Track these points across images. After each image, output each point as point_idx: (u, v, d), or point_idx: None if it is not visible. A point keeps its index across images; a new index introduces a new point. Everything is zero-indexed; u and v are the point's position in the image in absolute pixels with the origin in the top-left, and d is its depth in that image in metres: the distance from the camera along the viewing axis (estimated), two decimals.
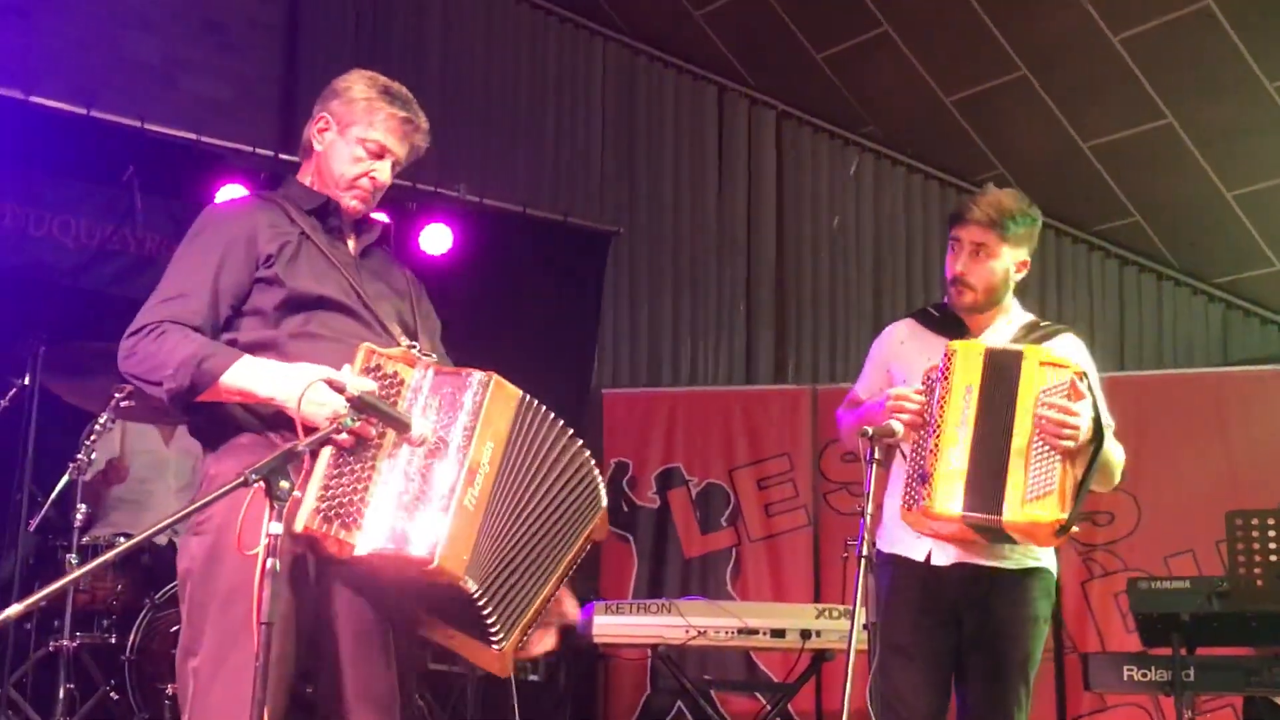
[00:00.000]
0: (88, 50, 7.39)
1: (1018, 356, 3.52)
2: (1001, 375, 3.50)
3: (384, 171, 3.11)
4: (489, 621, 2.78)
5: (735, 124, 8.51)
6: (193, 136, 6.68)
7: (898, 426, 3.55)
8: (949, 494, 3.43)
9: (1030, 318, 3.94)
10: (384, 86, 3.12)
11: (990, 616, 3.71)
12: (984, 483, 3.44)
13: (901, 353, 3.91)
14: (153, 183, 6.31)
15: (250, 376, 2.80)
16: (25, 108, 6.31)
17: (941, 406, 3.49)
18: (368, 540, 2.70)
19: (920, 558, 3.74)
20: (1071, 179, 7.75)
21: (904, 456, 3.73)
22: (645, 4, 8.51)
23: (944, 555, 3.72)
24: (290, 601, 2.77)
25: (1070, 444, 3.43)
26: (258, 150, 6.85)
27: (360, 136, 3.09)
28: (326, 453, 2.73)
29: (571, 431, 2.95)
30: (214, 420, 2.91)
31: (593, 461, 2.99)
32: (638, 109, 8.58)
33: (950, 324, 3.86)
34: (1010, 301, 3.91)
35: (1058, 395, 3.47)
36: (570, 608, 3.12)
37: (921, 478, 3.46)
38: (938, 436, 3.48)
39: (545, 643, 3.06)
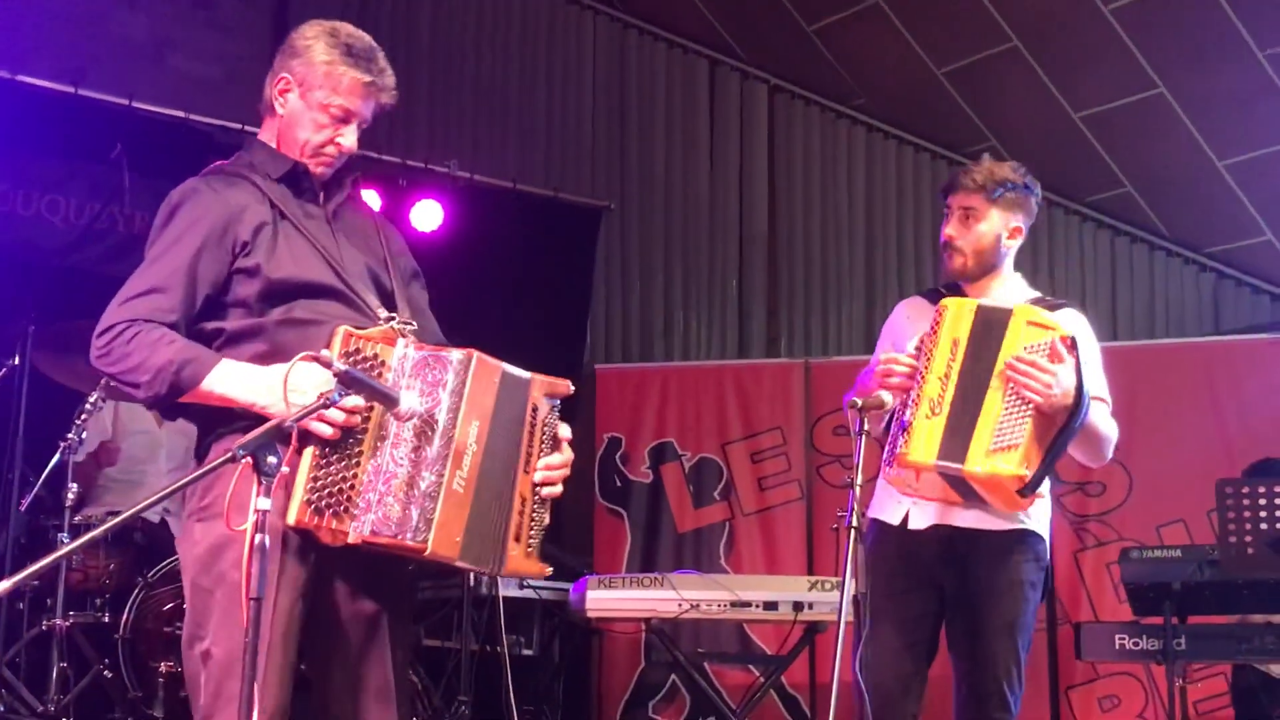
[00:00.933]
0: (76, 28, 7.34)
1: (1007, 314, 3.53)
2: (989, 330, 3.51)
3: (350, 136, 2.99)
4: (478, 573, 2.82)
5: (726, 98, 8.50)
6: (181, 115, 6.67)
7: (887, 397, 3.56)
8: (926, 443, 3.43)
9: (1034, 293, 3.94)
10: (345, 45, 2.95)
11: (969, 579, 3.71)
12: (957, 433, 3.44)
13: (906, 328, 3.91)
14: (141, 161, 6.28)
15: (229, 382, 2.75)
16: (13, 86, 6.29)
17: (928, 359, 3.50)
18: (360, 528, 2.71)
19: (896, 521, 3.75)
20: (1063, 150, 7.74)
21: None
22: None
23: (921, 518, 3.73)
24: (297, 584, 2.78)
25: (1038, 399, 3.42)
26: (246, 128, 6.81)
27: (323, 102, 2.94)
28: (311, 446, 2.70)
29: (515, 370, 2.89)
30: (209, 408, 2.85)
31: (510, 368, 2.87)
32: (629, 83, 8.56)
33: (952, 290, 3.86)
34: (1009, 272, 3.91)
35: (1039, 354, 3.47)
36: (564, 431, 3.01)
37: (902, 427, 3.46)
38: (920, 387, 3.49)
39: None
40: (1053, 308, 3.84)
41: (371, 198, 6.91)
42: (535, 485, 2.89)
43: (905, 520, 3.75)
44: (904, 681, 3.73)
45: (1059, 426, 3.49)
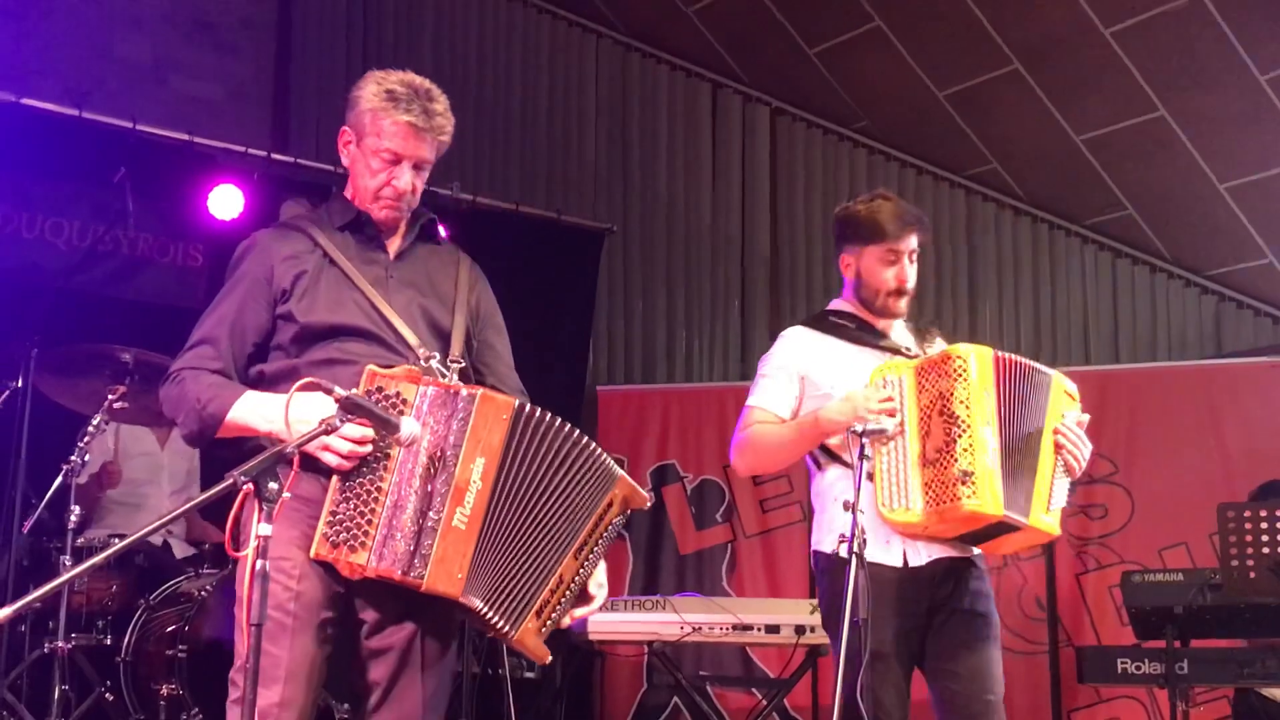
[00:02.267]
0: (79, 52, 7.38)
1: (1048, 378, 3.66)
2: (1033, 388, 3.63)
3: (403, 177, 3.09)
4: (492, 622, 2.84)
5: (729, 120, 8.52)
6: (184, 137, 6.67)
7: (889, 425, 3.56)
8: (993, 493, 3.48)
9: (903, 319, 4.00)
10: (390, 90, 3.09)
11: (959, 600, 3.73)
12: (1016, 486, 3.55)
13: (818, 367, 3.86)
14: (144, 184, 6.30)
15: (248, 413, 2.90)
16: (17, 109, 6.30)
17: (967, 406, 3.51)
18: (375, 561, 2.77)
19: (896, 562, 3.73)
20: (1064, 172, 7.76)
21: (831, 457, 3.79)
22: (638, 1, 8.51)
23: (919, 555, 3.72)
24: (316, 613, 2.84)
25: (1076, 468, 3.64)
26: (250, 150, 6.85)
27: (374, 148, 3.09)
28: (334, 480, 2.81)
29: (576, 430, 2.95)
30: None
31: (596, 446, 2.97)
32: (631, 106, 8.58)
33: (867, 332, 3.89)
34: None
35: (1078, 425, 3.66)
36: (601, 577, 3.10)
37: (962, 476, 3.46)
38: (969, 435, 3.49)
39: (580, 610, 3.06)
40: (931, 333, 3.98)
41: None
42: (579, 573, 2.95)
43: (905, 559, 3.74)
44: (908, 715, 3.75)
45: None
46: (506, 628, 2.85)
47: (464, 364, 3.07)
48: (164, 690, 5.08)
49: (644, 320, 8.35)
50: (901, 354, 3.81)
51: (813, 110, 8.40)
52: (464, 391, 2.84)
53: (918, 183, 8.27)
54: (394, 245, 3.17)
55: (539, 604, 2.88)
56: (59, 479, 5.26)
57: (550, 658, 3.01)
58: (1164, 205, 7.70)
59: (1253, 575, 4.66)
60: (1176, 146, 7.26)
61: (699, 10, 8.27)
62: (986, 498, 3.46)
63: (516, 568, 2.85)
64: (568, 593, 2.94)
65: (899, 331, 3.95)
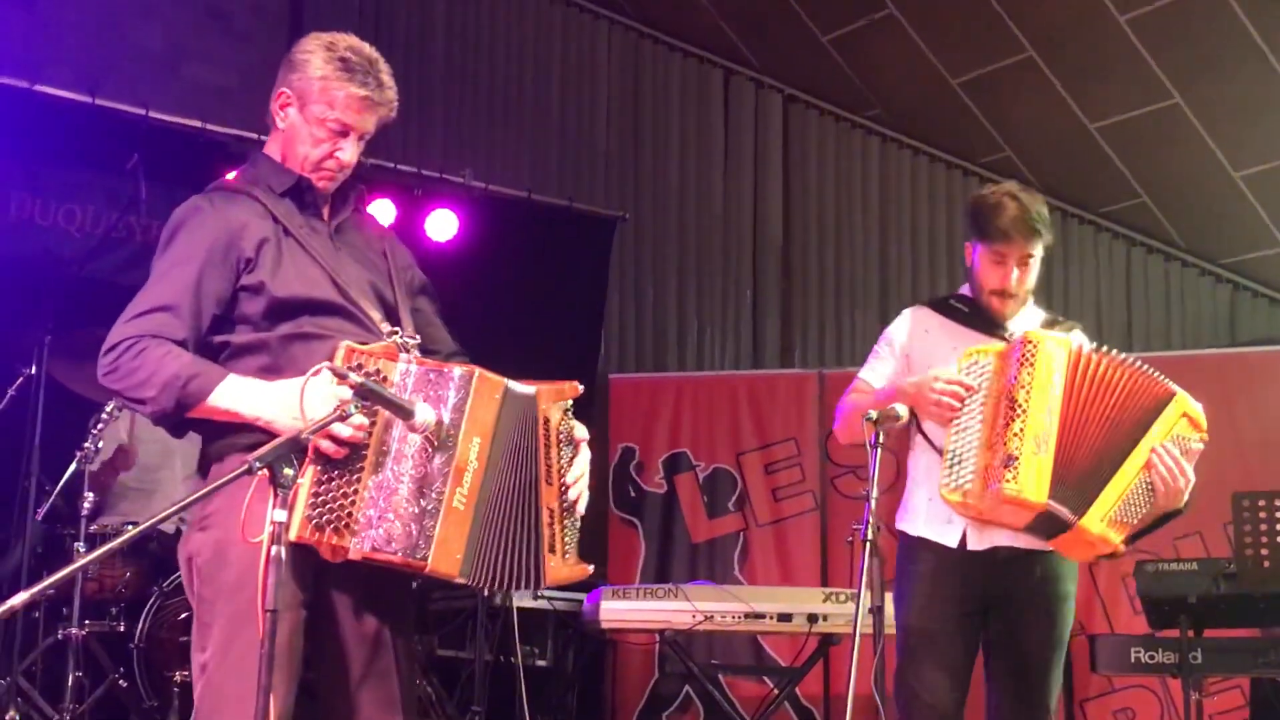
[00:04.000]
0: (92, 39, 7.38)
1: (1169, 395, 3.59)
2: (1122, 390, 3.56)
3: (349, 150, 2.98)
4: (504, 592, 2.83)
5: (741, 107, 8.50)
6: (197, 124, 6.68)
7: (902, 410, 3.56)
8: (1037, 481, 3.44)
9: (1044, 314, 3.97)
10: (342, 59, 2.93)
11: (1022, 596, 3.71)
12: (1075, 480, 3.49)
13: (926, 343, 3.89)
14: (157, 171, 6.28)
15: (236, 397, 2.76)
16: (30, 96, 6.31)
17: (1027, 391, 3.49)
18: (361, 544, 2.71)
19: (954, 543, 3.72)
20: (1078, 160, 7.73)
21: (926, 440, 3.75)
22: None
23: (981, 539, 3.70)
24: (296, 596, 2.77)
25: (1164, 495, 3.54)
26: (262, 137, 6.78)
27: (320, 116, 2.94)
28: (312, 462, 2.71)
29: (530, 390, 2.88)
30: (216, 422, 2.85)
31: (516, 385, 2.85)
32: (643, 93, 8.57)
33: (982, 319, 3.86)
34: None
35: (1183, 451, 3.57)
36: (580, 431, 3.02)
37: (1005, 460, 3.45)
38: (1023, 420, 3.47)
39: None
40: (1067, 329, 3.87)
41: (386, 207, 6.92)
42: (563, 494, 2.90)
43: (964, 542, 3.72)
44: (959, 709, 3.74)
45: (1156, 518, 3.59)
46: (530, 585, 2.86)
47: (418, 339, 2.98)
48: (177, 677, 5.10)
49: (655, 308, 8.34)
50: (1000, 338, 3.78)
51: (826, 97, 8.38)
52: (458, 371, 2.77)
53: (931, 170, 8.25)
54: (327, 213, 3.06)
55: (547, 543, 2.84)
56: (73, 466, 5.28)
57: (591, 567, 2.99)
58: (1178, 193, 7.67)
59: (1267, 565, 4.64)
60: (1191, 134, 7.24)
61: None
62: (1028, 484, 3.43)
63: (505, 538, 2.79)
64: (566, 514, 2.90)
65: (1027, 319, 3.90)
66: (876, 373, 3.96)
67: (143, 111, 6.53)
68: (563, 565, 2.89)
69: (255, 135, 6.80)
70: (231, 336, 2.88)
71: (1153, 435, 3.54)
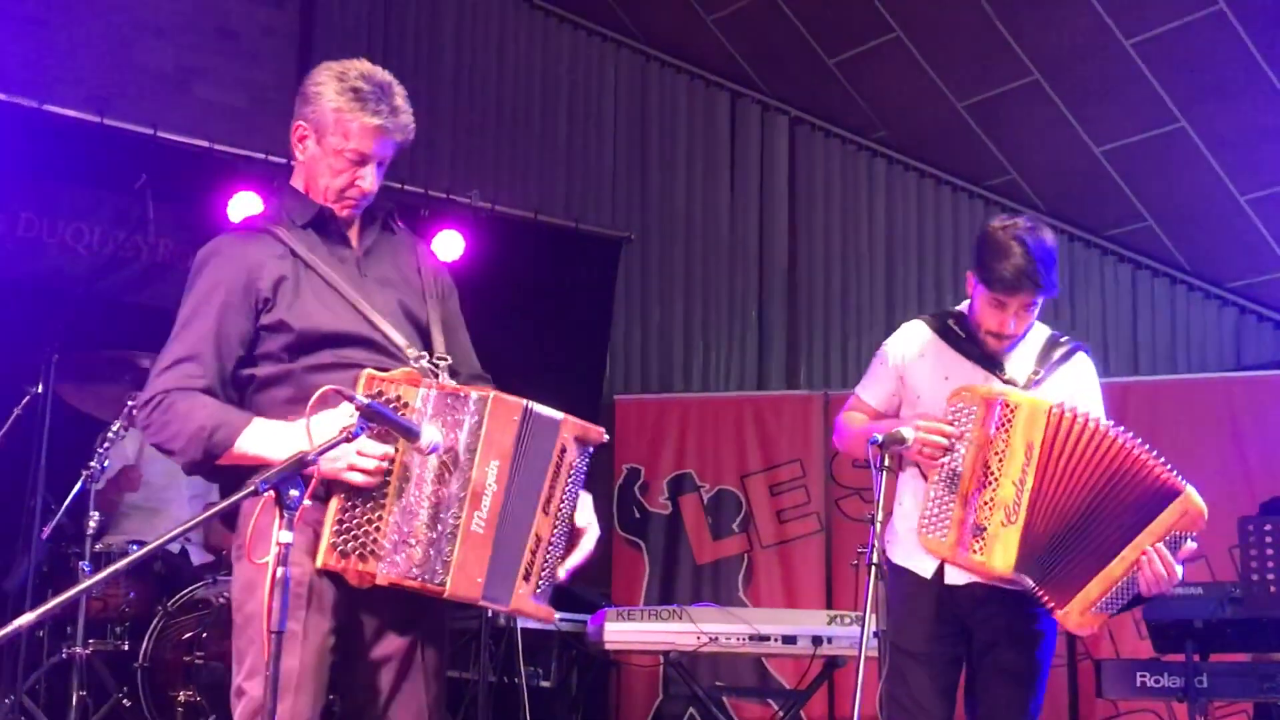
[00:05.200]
0: (101, 59, 7.41)
1: (1176, 492, 3.49)
2: (1142, 498, 3.49)
3: (369, 178, 3.00)
4: (483, 605, 2.84)
5: (747, 130, 8.51)
6: (205, 144, 6.70)
7: (908, 434, 3.55)
8: (1005, 552, 3.45)
9: (1047, 333, 3.90)
10: (353, 89, 2.95)
11: (1001, 627, 3.70)
12: (1044, 550, 3.48)
13: (919, 365, 3.85)
14: (165, 190, 6.32)
15: (262, 442, 2.80)
16: (39, 116, 6.33)
17: (1000, 459, 3.48)
18: (387, 569, 2.74)
19: (929, 575, 3.72)
20: (1084, 183, 7.73)
21: (922, 475, 3.73)
22: (658, 10, 8.52)
23: (959, 575, 3.70)
24: (324, 619, 2.81)
25: (1153, 590, 3.49)
26: (270, 158, 6.86)
27: (337, 148, 2.97)
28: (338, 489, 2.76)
29: (547, 412, 2.88)
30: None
31: (543, 408, 2.88)
32: (650, 115, 8.59)
33: (978, 349, 3.80)
34: None
35: (1175, 546, 3.50)
36: (584, 507, 3.02)
37: (975, 529, 3.47)
38: (993, 490, 3.48)
39: (572, 558, 3.00)
40: (1068, 353, 3.84)
41: None
42: (555, 526, 2.89)
43: (941, 574, 3.72)
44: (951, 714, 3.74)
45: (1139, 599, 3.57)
46: (500, 602, 2.82)
47: (450, 360, 3.01)
48: (181, 697, 5.09)
49: (661, 329, 8.35)
50: (995, 377, 3.75)
51: (832, 120, 8.39)
52: (474, 395, 2.79)
53: (936, 193, 8.25)
54: (355, 239, 3.08)
55: (523, 568, 2.82)
56: (79, 484, 5.28)
57: (556, 615, 2.97)
58: (1184, 217, 7.67)
59: (1273, 589, 4.64)
60: (1197, 158, 7.24)
61: (719, 20, 8.28)
62: (995, 556, 3.46)
63: (507, 552, 2.81)
64: (550, 549, 2.89)
65: (1028, 340, 3.83)
66: (872, 390, 3.95)
67: (151, 131, 6.55)
68: (529, 599, 2.86)
69: (263, 155, 6.84)
70: (256, 370, 2.93)
71: (1150, 534, 3.47)
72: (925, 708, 3.69)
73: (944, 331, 3.88)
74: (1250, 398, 6.80)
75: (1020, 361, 3.80)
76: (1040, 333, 3.89)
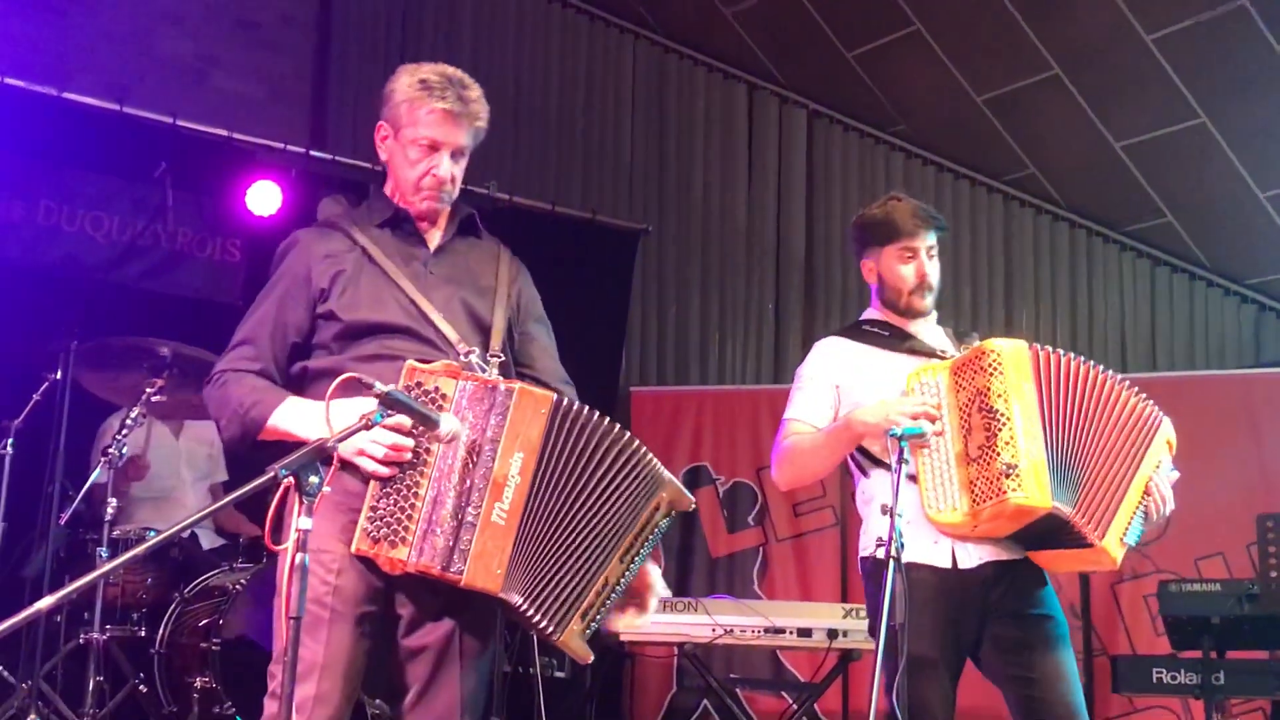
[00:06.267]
0: (121, 47, 7.43)
1: (1158, 420, 3.66)
2: (1092, 389, 3.59)
3: (443, 165, 3.12)
4: (535, 622, 2.82)
5: (765, 123, 8.51)
6: (224, 133, 6.72)
7: (927, 426, 3.54)
8: (1039, 485, 3.43)
9: (943, 328, 3.97)
10: (423, 79, 3.12)
11: (1021, 601, 3.68)
12: (1069, 479, 3.51)
13: (852, 375, 3.83)
14: (184, 179, 6.35)
15: (291, 419, 2.91)
16: (59, 104, 6.36)
17: (1005, 399, 3.48)
18: (415, 556, 2.77)
19: (944, 563, 3.70)
20: (1104, 179, 7.71)
21: (876, 463, 3.74)
22: (676, 2, 8.51)
23: (970, 556, 3.68)
24: (357, 605, 2.85)
25: (1152, 521, 3.63)
26: (289, 147, 6.88)
27: (411, 138, 3.11)
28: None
29: (618, 427, 2.94)
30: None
31: (642, 446, 2.96)
32: (668, 107, 8.58)
33: (898, 336, 3.86)
34: None
35: (1168, 476, 3.65)
36: (654, 579, 3.10)
37: (1006, 470, 3.42)
38: (1011, 428, 3.45)
39: (632, 616, 3.08)
40: (968, 338, 3.90)
41: None
42: (624, 576, 2.93)
43: (954, 561, 3.70)
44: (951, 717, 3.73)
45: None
46: (550, 628, 2.84)
47: (504, 358, 3.06)
48: (197, 683, 5.11)
49: (678, 321, 8.34)
50: (936, 356, 3.79)
51: (850, 113, 8.38)
52: (502, 386, 2.84)
53: (955, 188, 8.24)
54: (433, 240, 3.18)
55: (585, 606, 2.87)
56: (96, 471, 5.30)
57: (593, 657, 2.99)
58: (1204, 213, 7.65)
59: None
60: (1217, 154, 7.21)
61: (737, 13, 8.27)
62: (1032, 490, 3.41)
63: (558, 566, 2.84)
64: (612, 595, 2.92)
65: (934, 335, 3.92)
66: (813, 410, 3.88)
67: (170, 120, 6.57)
68: (577, 636, 2.88)
69: (282, 145, 6.86)
70: (309, 363, 3.04)
71: (1149, 463, 3.59)
72: (935, 714, 3.68)
73: (864, 336, 3.91)
74: (1269, 395, 6.78)
75: (936, 341, 3.86)
76: (939, 329, 3.95)
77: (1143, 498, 3.58)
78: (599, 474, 2.89)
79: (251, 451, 2.99)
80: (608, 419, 2.92)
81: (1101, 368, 3.64)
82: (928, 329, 3.92)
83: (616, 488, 2.90)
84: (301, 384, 3.04)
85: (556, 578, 2.84)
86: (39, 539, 5.36)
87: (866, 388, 3.78)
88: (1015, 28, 7.25)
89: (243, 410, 2.92)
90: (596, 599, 2.88)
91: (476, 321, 3.12)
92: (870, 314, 3.97)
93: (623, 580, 2.93)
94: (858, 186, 8.36)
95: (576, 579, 2.86)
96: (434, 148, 3.11)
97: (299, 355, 3.06)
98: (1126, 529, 3.54)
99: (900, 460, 3.43)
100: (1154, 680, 5.00)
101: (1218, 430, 6.69)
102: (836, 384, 3.86)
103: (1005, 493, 3.42)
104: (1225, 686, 4.86)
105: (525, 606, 2.81)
